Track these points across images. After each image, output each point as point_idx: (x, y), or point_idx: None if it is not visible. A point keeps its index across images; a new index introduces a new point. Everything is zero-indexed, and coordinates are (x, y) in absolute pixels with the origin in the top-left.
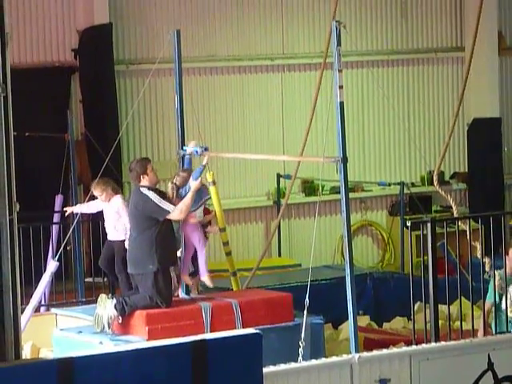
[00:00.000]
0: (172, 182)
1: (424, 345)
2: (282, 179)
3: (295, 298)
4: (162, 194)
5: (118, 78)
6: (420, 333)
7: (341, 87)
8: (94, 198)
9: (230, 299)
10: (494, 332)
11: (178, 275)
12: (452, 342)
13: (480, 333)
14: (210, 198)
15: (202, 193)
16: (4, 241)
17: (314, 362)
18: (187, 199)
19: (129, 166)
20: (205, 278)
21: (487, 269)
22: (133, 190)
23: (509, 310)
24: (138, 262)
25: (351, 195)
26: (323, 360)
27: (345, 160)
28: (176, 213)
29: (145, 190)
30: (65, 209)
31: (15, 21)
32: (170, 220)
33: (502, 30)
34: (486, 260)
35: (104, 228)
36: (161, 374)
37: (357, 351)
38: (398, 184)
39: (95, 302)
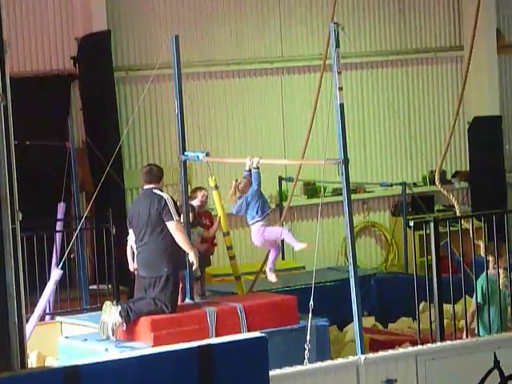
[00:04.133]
0: (235, 187)
1: (429, 344)
2: (283, 182)
3: (300, 301)
4: (174, 203)
5: (118, 85)
6: (425, 332)
7: (340, 89)
8: None
9: (235, 303)
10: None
11: (183, 280)
12: (457, 341)
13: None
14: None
15: (264, 205)
16: (7, 250)
17: (319, 364)
18: (187, 242)
19: (151, 167)
20: (270, 273)
21: (491, 267)
22: (144, 192)
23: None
24: (152, 265)
25: (353, 196)
26: (329, 362)
27: (346, 162)
28: (176, 225)
29: (159, 192)
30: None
31: (14, 29)
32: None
33: (500, 28)
34: (490, 258)
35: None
36: (167, 380)
37: (362, 352)
38: (400, 184)
39: (100, 309)
